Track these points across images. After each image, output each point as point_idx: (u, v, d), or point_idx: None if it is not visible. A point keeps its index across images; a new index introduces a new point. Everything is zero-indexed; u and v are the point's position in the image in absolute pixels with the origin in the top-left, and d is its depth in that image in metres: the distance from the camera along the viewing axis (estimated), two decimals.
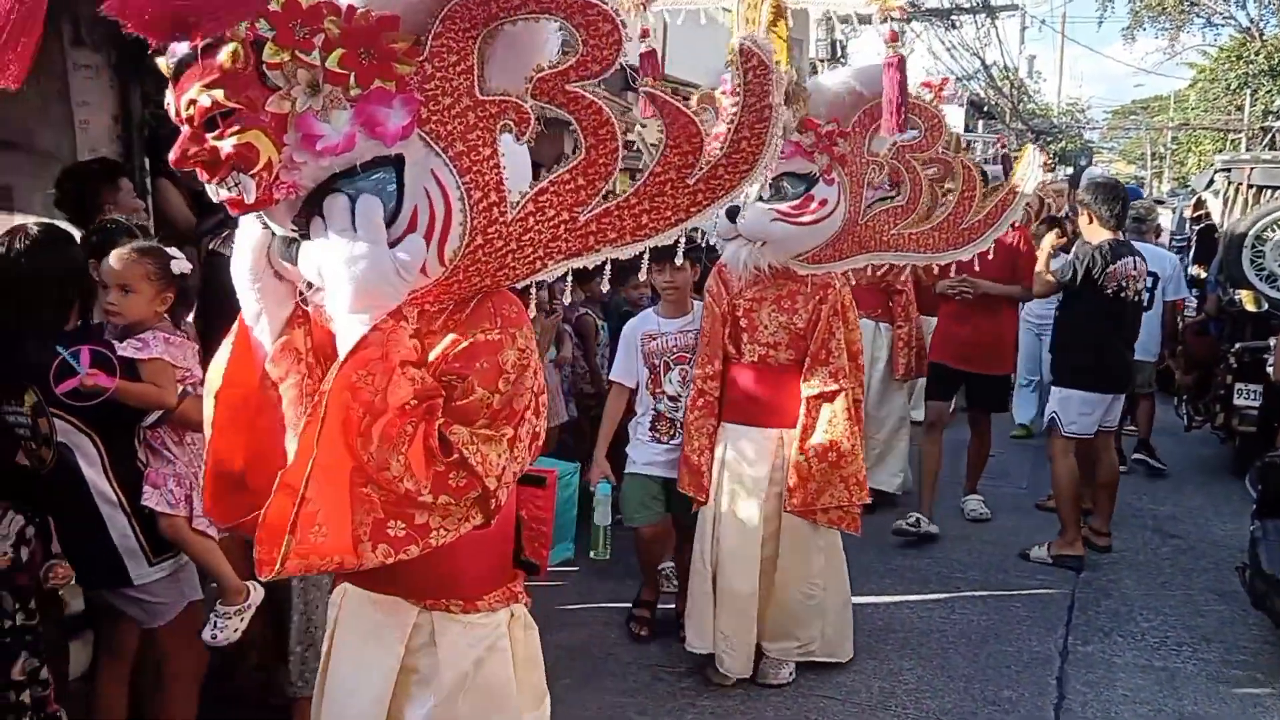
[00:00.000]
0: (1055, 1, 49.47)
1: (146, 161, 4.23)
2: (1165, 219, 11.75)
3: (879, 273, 3.56)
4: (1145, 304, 4.92)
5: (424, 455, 1.60)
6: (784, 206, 3.08)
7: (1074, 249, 5.02)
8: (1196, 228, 8.32)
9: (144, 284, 2.45)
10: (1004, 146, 9.67)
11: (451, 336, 1.70)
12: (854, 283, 3.47)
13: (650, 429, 3.78)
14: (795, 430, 3.33)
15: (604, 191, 1.66)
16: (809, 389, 3.29)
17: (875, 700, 3.43)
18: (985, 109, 21.42)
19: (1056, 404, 4.79)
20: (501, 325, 1.72)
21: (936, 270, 4.41)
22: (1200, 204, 8.54)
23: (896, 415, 5.57)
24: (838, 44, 13.20)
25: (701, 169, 1.68)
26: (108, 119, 4.09)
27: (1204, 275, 7.35)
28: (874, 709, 3.38)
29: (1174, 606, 4.29)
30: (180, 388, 2.49)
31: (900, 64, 2.82)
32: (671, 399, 3.74)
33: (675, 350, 3.76)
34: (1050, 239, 5.03)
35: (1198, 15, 28.22)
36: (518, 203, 1.65)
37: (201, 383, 2.56)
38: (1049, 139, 26.62)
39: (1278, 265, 5.77)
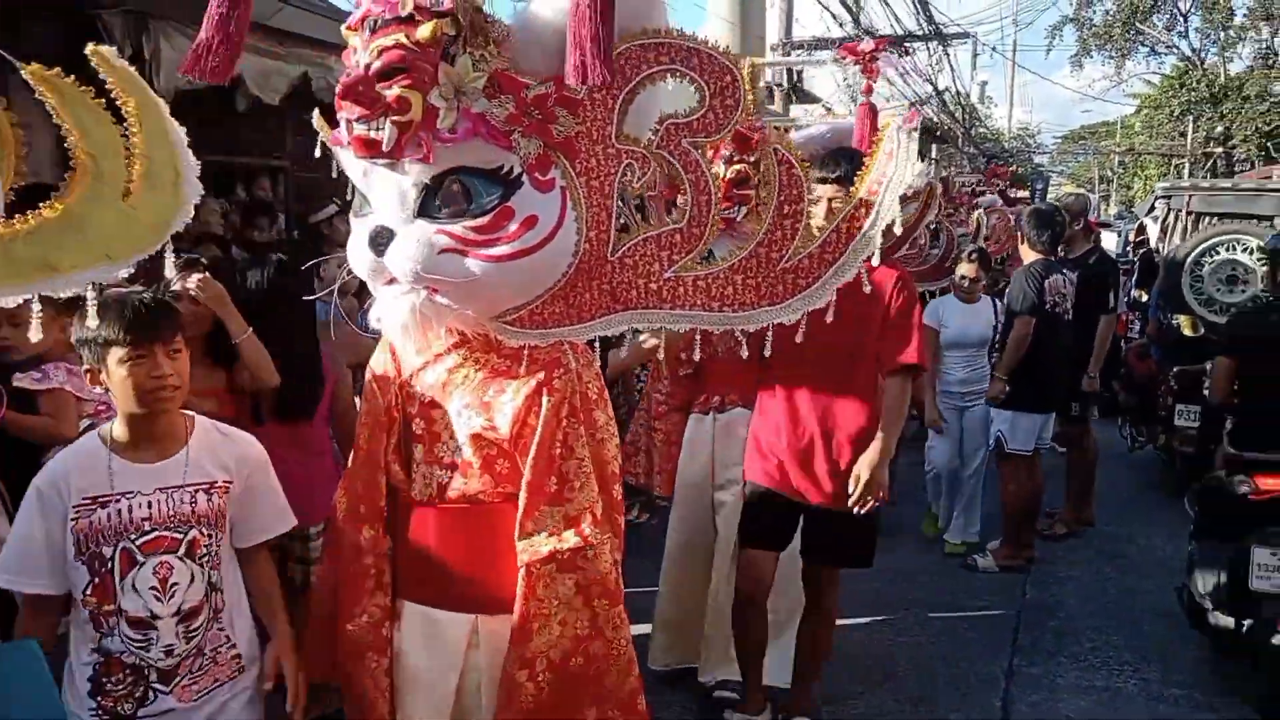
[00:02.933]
0: (1006, 29, 50.58)
1: None
2: (1110, 241, 12.07)
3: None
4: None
5: None
6: (459, 228, 1.75)
7: (1016, 276, 5.13)
8: (1139, 252, 8.54)
9: (31, 314, 2.24)
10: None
11: None
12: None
13: (90, 687, 1.90)
14: (505, 620, 1.90)
15: None
16: (529, 548, 1.87)
17: None
18: (938, 134, 21.82)
19: (1003, 425, 4.96)
20: None
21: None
22: (1142, 229, 8.76)
23: None
24: (792, 71, 13.34)
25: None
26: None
27: (1145, 299, 7.53)
28: None
29: (1117, 626, 4.35)
30: (87, 421, 2.39)
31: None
32: (135, 628, 1.88)
33: (144, 525, 1.90)
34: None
35: (1142, 44, 29.05)
36: None
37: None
38: (1000, 163, 27.14)
39: (1215, 290, 5.96)
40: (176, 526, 1.94)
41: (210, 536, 1.98)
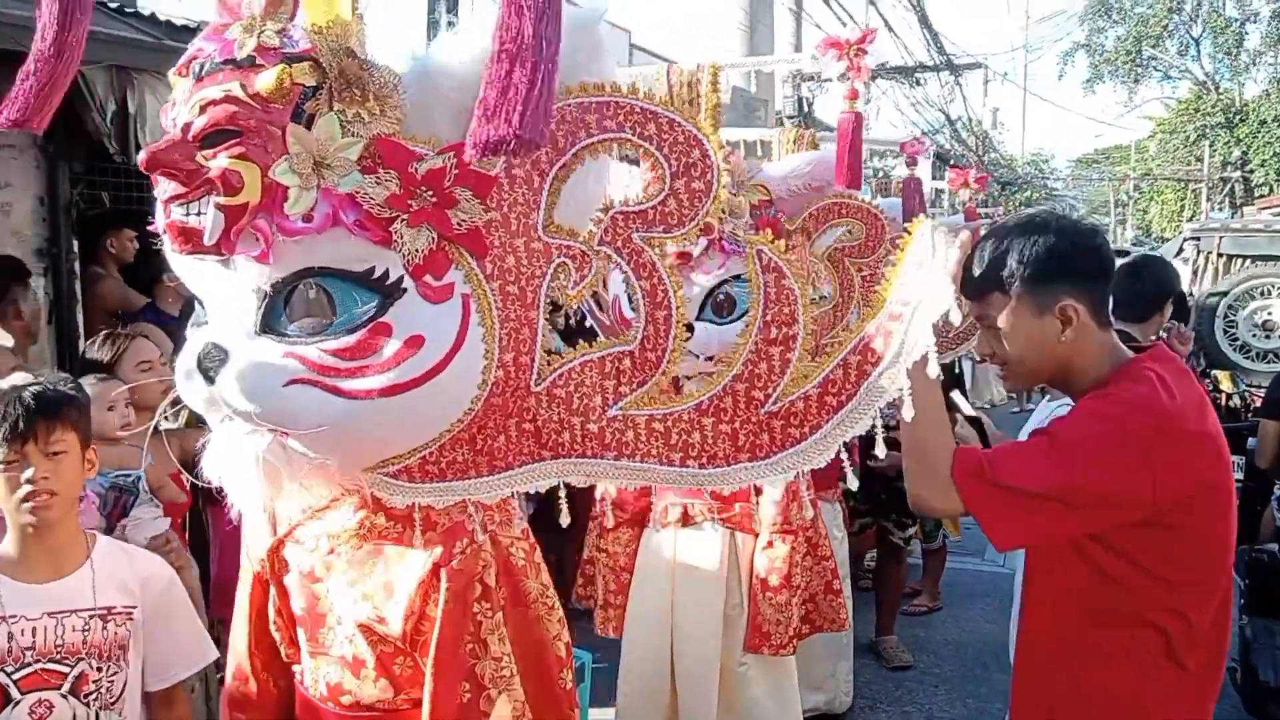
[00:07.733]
0: (1019, 56, 50.69)
1: (75, 245, 4.04)
2: None
3: None
4: None
5: None
6: (315, 350, 1.27)
7: None
8: None
9: None
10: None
11: None
12: None
13: None
14: None
15: None
16: None
17: None
18: (951, 161, 21.74)
19: None
20: None
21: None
22: None
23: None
24: (803, 100, 13.23)
25: None
26: (32, 201, 3.90)
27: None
28: None
29: None
30: None
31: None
32: None
33: (26, 656, 1.65)
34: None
35: (1155, 69, 28.97)
36: None
37: None
38: (1014, 189, 27.05)
39: (1251, 336, 5.73)
40: (62, 659, 1.67)
41: (102, 671, 1.71)
